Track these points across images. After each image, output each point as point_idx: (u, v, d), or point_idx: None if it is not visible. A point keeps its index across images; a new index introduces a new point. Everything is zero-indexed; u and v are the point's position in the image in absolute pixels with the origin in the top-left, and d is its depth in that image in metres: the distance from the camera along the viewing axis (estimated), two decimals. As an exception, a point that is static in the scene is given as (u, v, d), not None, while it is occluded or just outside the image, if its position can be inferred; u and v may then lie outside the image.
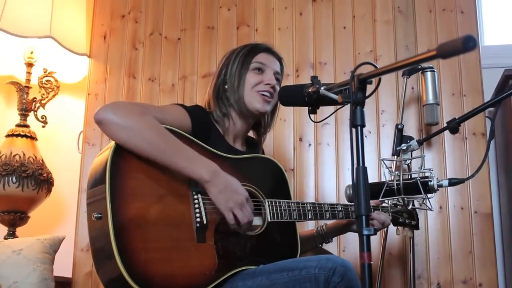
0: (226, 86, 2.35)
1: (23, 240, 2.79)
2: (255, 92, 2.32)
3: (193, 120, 2.17)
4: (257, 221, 2.16)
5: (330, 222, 2.49)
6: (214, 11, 3.49)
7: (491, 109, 2.87)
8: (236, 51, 2.42)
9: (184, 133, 2.08)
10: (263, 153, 2.51)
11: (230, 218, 1.96)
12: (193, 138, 2.10)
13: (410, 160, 2.64)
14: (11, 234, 3.15)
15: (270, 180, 2.31)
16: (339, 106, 1.77)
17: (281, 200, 2.20)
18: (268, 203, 2.17)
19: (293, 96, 2.07)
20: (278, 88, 2.38)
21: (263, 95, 2.32)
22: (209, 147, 2.13)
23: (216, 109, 2.34)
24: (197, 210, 1.98)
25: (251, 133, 2.53)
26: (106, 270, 1.86)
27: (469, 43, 1.28)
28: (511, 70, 3.01)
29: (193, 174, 1.95)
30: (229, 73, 2.36)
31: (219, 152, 2.16)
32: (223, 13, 3.47)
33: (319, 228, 2.48)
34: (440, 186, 2.26)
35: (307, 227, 3.04)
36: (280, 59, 2.46)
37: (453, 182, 2.29)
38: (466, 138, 3.05)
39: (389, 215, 2.42)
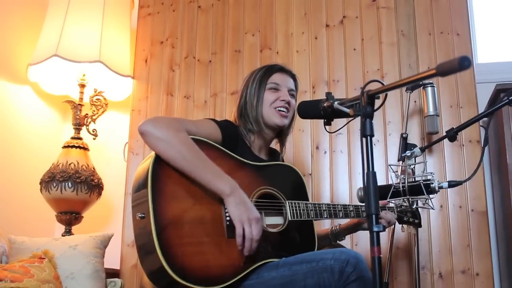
0: (247, 105, 2.36)
1: (78, 237, 2.82)
2: (272, 108, 2.33)
3: (223, 133, 2.18)
4: (279, 220, 2.16)
5: (343, 222, 2.48)
6: (241, 36, 3.50)
7: (485, 119, 2.85)
8: (254, 73, 2.43)
9: (214, 144, 2.10)
10: (283, 161, 2.50)
11: (239, 230, 1.92)
12: (222, 148, 2.12)
13: (413, 165, 2.62)
14: (68, 232, 3.17)
15: (290, 184, 2.30)
16: (351, 118, 1.76)
17: (300, 201, 2.19)
18: (289, 204, 2.16)
19: (311, 110, 2.06)
20: (293, 102, 2.39)
21: (280, 110, 2.33)
22: (236, 156, 2.14)
23: (241, 126, 2.35)
24: (227, 210, 1.98)
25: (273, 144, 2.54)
26: (149, 262, 1.87)
27: (464, 63, 1.27)
28: (502, 85, 3.00)
29: (215, 187, 1.95)
30: (249, 93, 2.37)
31: (245, 160, 2.16)
32: (248, 38, 3.48)
33: (333, 228, 2.47)
34: (440, 187, 2.24)
35: (323, 225, 3.03)
36: (293, 76, 2.46)
37: (452, 184, 2.28)
38: (463, 145, 3.02)
39: (395, 214, 2.42)
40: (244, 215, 1.93)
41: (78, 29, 3.26)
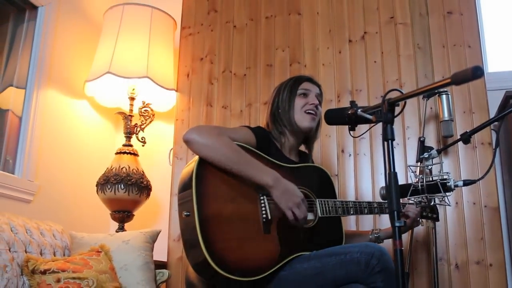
0: (279, 111, 2.36)
1: (130, 233, 2.84)
2: (303, 112, 2.33)
3: (257, 138, 2.19)
4: (310, 216, 2.16)
5: (384, 227, 2.49)
6: (272, 52, 3.50)
7: (496, 123, 2.80)
8: (284, 83, 2.44)
9: (252, 148, 2.11)
10: (312, 162, 2.50)
11: (289, 215, 1.98)
12: (259, 152, 2.13)
13: (431, 166, 2.58)
14: (121, 228, 3.21)
15: (320, 183, 2.31)
16: (373, 124, 1.76)
17: (328, 199, 2.19)
18: (319, 202, 2.16)
19: (336, 117, 2.05)
20: (320, 107, 2.39)
21: (310, 113, 2.33)
22: (271, 159, 2.15)
23: (274, 129, 2.35)
24: (263, 208, 1.99)
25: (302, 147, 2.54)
26: (193, 255, 1.89)
27: (477, 72, 1.26)
28: (511, 92, 2.95)
29: (260, 180, 1.97)
30: (281, 100, 2.37)
31: (279, 162, 2.17)
32: (279, 54, 3.48)
33: (374, 231, 2.45)
34: (456, 186, 2.20)
35: (349, 220, 3.01)
36: (319, 86, 2.46)
37: (466, 183, 2.24)
38: (476, 147, 2.97)
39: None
40: (290, 201, 1.97)
41: (128, 49, 3.30)
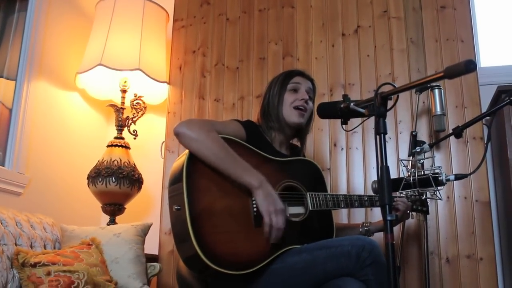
0: (269, 105, 2.35)
1: (121, 226, 2.84)
2: (292, 108, 2.31)
3: (247, 132, 2.19)
4: (300, 209, 2.16)
5: (375, 221, 2.49)
6: (265, 45, 3.49)
7: (488, 118, 2.81)
8: (276, 77, 2.43)
9: (242, 142, 2.10)
10: (304, 156, 2.49)
11: (266, 220, 1.91)
12: (248, 145, 2.12)
13: (423, 160, 2.58)
14: (112, 221, 3.20)
15: (310, 177, 2.30)
16: (365, 118, 1.75)
17: (319, 193, 2.19)
18: (309, 195, 2.15)
19: (329, 110, 2.04)
20: (310, 102, 2.37)
21: (299, 108, 2.31)
22: (260, 152, 2.14)
23: (263, 124, 2.35)
24: (254, 202, 1.98)
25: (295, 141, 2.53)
26: (184, 249, 1.88)
27: (470, 66, 1.26)
28: (503, 87, 2.96)
29: (245, 181, 1.95)
30: (271, 95, 2.36)
31: (269, 156, 2.16)
32: (272, 47, 3.47)
33: (364, 224, 2.45)
34: (447, 180, 2.21)
35: (341, 214, 3.01)
36: (311, 80, 2.44)
37: (458, 177, 2.25)
38: (467, 142, 2.98)
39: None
40: (271, 206, 1.92)
41: (120, 41, 3.28)
